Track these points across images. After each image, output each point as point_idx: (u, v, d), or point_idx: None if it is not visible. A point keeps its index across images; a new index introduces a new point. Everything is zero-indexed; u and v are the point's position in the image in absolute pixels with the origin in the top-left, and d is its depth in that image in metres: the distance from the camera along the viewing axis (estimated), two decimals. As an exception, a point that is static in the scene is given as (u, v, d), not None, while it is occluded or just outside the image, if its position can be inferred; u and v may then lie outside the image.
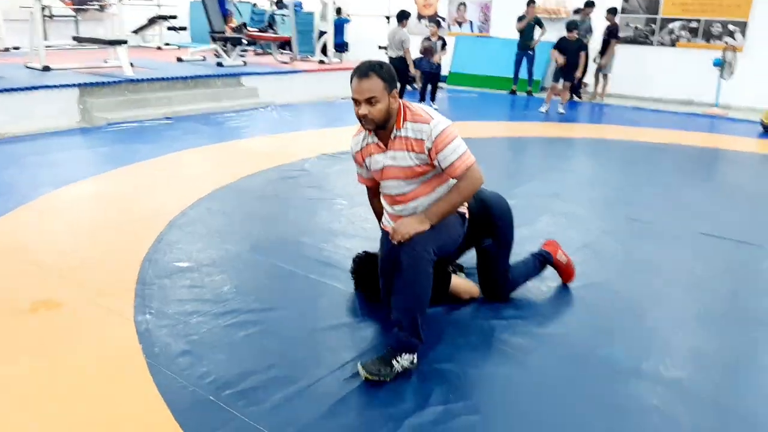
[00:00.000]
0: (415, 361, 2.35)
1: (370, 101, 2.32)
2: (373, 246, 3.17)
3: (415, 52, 9.20)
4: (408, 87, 10.42)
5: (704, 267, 3.53)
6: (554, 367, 2.45)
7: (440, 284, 2.73)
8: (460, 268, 3.12)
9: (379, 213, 2.79)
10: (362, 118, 2.37)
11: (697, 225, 4.18)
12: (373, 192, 2.75)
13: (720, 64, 9.61)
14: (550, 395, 2.27)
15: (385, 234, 2.66)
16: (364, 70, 2.32)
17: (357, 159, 2.65)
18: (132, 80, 7.71)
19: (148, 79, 7.88)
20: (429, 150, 2.38)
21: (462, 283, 2.92)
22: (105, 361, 2.38)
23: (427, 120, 2.38)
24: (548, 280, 3.15)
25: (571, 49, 8.85)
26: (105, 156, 5.76)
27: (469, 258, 3.18)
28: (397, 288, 2.36)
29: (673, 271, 3.42)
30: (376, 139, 2.50)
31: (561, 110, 9.22)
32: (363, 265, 2.93)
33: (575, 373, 2.41)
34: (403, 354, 2.31)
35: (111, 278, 3.09)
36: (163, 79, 8.08)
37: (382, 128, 2.41)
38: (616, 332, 2.72)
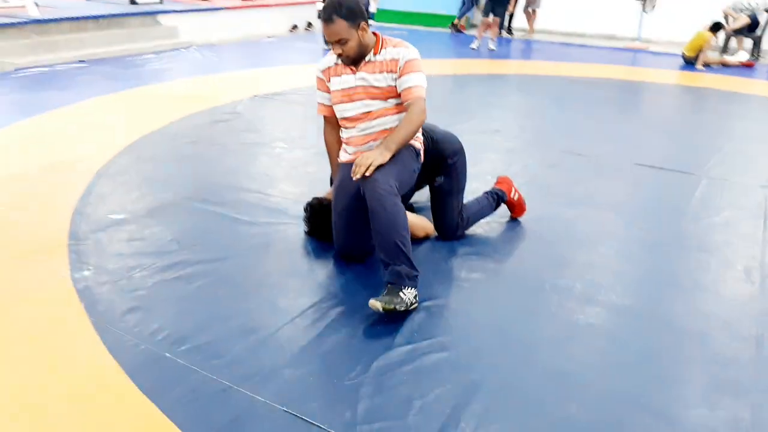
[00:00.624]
0: (417, 297, 2.32)
1: (340, 42, 2.41)
2: (320, 190, 3.08)
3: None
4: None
5: (643, 197, 3.65)
6: (511, 300, 2.48)
7: None
8: (410, 208, 3.07)
9: (334, 149, 2.75)
10: (338, 56, 2.46)
11: (631, 156, 4.30)
12: (333, 125, 2.72)
13: (642, -3, 9.79)
14: (510, 327, 2.29)
15: (344, 167, 2.60)
16: (327, 15, 2.39)
17: (322, 79, 2.62)
18: (38, 21, 7.03)
19: (55, 19, 7.21)
20: (399, 69, 2.46)
21: (417, 221, 2.87)
22: (45, 324, 2.21)
23: (407, 46, 2.52)
24: (499, 215, 3.16)
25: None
26: (16, 104, 5.27)
27: (422, 197, 3.14)
28: (375, 230, 2.32)
29: (616, 202, 3.51)
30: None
31: (491, 46, 9.19)
32: (317, 212, 2.83)
33: (531, 304, 2.44)
34: (406, 287, 2.28)
35: (39, 235, 2.85)
36: (72, 18, 7.41)
37: (360, 60, 2.50)
38: (569, 264, 2.77)
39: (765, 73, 8.25)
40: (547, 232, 3.09)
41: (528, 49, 9.98)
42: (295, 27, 10.97)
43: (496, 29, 9.34)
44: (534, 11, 10.92)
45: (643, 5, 9.87)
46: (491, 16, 9.09)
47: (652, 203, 3.54)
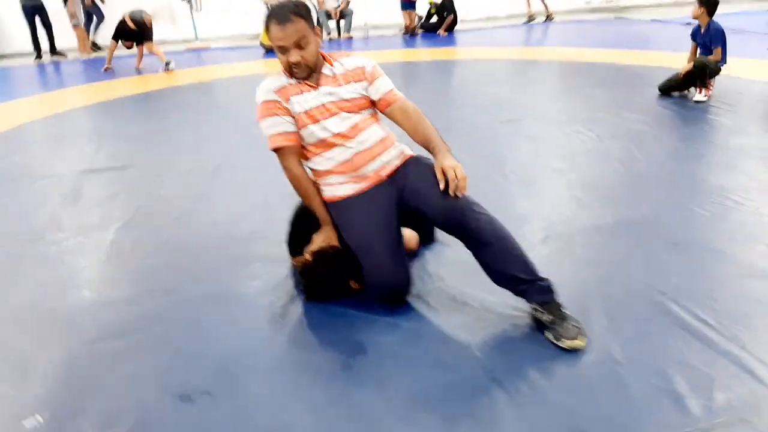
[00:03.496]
0: None
1: (299, 45, 2.08)
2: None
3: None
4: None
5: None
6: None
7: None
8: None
9: (310, 182, 2.22)
10: (295, 66, 2.11)
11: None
12: (296, 154, 2.21)
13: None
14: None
15: (348, 204, 2.18)
16: (284, 14, 2.05)
17: (277, 101, 2.16)
18: None
19: None
20: (369, 75, 2.22)
21: (408, 233, 2.60)
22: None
23: (357, 55, 2.30)
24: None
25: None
26: None
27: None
28: (501, 249, 1.99)
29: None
30: (299, 80, 2.19)
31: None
32: (324, 262, 2.24)
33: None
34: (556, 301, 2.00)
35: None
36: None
37: (312, 74, 2.18)
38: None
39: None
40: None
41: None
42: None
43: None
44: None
45: (190, 4, 10.61)
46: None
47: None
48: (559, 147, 4.06)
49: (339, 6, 10.55)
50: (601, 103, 5.18)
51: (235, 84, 7.13)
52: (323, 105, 2.16)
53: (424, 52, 9.08)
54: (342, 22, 10.67)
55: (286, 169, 2.21)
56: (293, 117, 2.16)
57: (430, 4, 10.63)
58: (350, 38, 10.59)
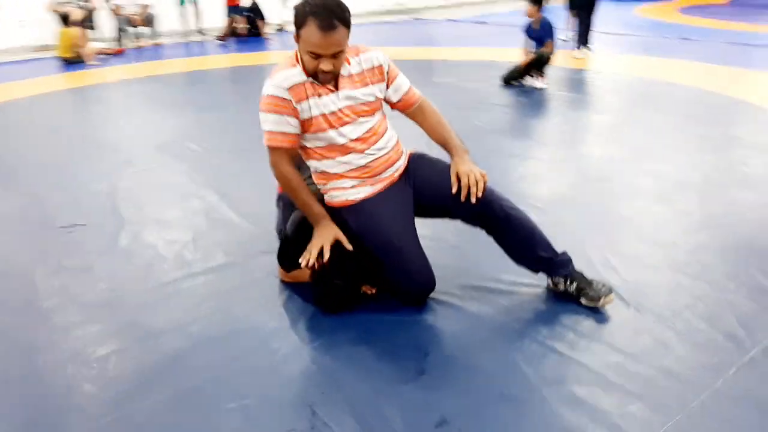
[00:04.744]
0: None
1: (336, 55, 1.88)
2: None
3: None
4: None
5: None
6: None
7: None
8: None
9: (301, 183, 2.06)
10: (323, 74, 1.91)
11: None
12: (288, 157, 2.05)
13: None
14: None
15: (372, 198, 2.07)
16: (330, 21, 1.81)
17: (288, 100, 1.94)
18: None
19: None
20: (387, 75, 2.08)
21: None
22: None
23: (371, 48, 2.09)
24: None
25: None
26: None
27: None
28: (526, 234, 2.09)
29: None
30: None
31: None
32: (344, 265, 2.08)
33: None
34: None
35: None
36: None
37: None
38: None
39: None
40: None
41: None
42: None
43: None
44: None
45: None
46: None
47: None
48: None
49: (139, 11, 9.68)
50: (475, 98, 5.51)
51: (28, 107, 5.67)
52: (341, 110, 2.01)
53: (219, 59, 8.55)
54: (146, 28, 9.80)
55: (276, 166, 2.05)
56: (300, 120, 1.99)
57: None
58: (159, 45, 9.80)
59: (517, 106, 5.16)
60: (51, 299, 2.25)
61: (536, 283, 2.23)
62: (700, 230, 2.68)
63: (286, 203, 2.39)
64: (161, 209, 3.08)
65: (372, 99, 2.06)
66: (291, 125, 1.98)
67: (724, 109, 4.77)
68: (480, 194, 2.01)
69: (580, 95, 5.56)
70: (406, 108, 2.18)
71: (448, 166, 2.12)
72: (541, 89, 5.56)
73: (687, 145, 3.90)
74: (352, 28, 1.90)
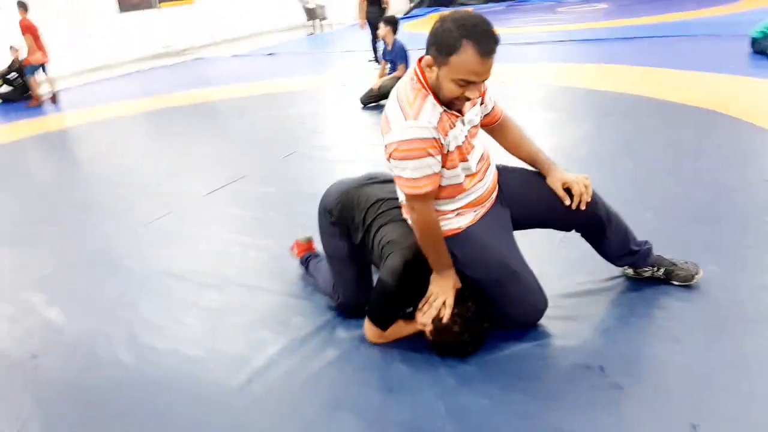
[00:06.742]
0: None
1: (483, 82, 1.75)
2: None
3: None
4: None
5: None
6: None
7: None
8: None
9: (440, 231, 1.90)
10: (461, 101, 1.76)
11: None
12: (433, 205, 1.89)
13: None
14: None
15: (473, 234, 1.94)
16: (490, 45, 1.64)
17: (438, 139, 1.76)
18: None
19: None
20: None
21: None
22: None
23: None
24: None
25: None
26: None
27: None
28: (621, 230, 2.12)
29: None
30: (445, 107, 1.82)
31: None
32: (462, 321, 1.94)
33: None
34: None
35: None
36: None
37: None
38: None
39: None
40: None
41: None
42: None
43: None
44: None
45: None
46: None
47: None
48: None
49: None
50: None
51: None
52: (466, 137, 1.87)
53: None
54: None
55: (421, 215, 1.84)
56: (442, 154, 1.81)
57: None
58: None
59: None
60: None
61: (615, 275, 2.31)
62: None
63: (337, 258, 2.19)
64: None
65: (478, 121, 1.95)
66: (438, 162, 1.79)
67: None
68: (590, 199, 1.98)
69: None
70: (489, 123, 2.06)
71: (536, 177, 2.05)
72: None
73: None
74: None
